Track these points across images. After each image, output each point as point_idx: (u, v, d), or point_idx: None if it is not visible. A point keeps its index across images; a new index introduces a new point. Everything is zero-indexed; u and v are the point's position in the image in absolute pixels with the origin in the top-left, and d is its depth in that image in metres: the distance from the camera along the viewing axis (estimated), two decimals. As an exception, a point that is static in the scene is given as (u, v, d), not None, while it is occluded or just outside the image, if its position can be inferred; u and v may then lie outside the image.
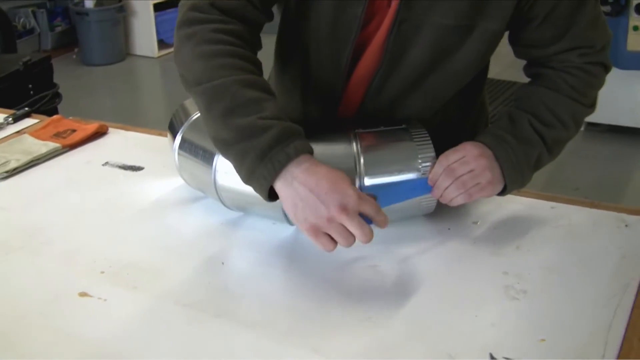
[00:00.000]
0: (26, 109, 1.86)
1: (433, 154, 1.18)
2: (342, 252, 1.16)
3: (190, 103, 1.33)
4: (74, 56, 5.88)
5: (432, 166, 1.18)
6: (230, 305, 1.06)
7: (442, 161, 1.18)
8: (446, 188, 1.17)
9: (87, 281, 1.12)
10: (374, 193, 1.10)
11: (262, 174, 1.06)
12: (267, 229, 1.25)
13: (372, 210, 1.04)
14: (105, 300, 1.08)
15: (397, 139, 1.20)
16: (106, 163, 1.53)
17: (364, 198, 1.04)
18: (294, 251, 1.20)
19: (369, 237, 1.03)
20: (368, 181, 1.16)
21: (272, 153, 1.05)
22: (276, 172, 1.05)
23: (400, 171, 1.17)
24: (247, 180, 1.08)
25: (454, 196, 1.18)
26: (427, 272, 1.13)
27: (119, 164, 1.51)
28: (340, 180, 1.04)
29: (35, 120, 1.78)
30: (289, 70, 1.38)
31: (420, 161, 1.18)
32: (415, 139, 1.20)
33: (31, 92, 2.88)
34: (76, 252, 1.20)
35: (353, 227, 1.03)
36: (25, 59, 2.95)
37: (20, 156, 1.54)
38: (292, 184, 1.05)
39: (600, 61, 1.27)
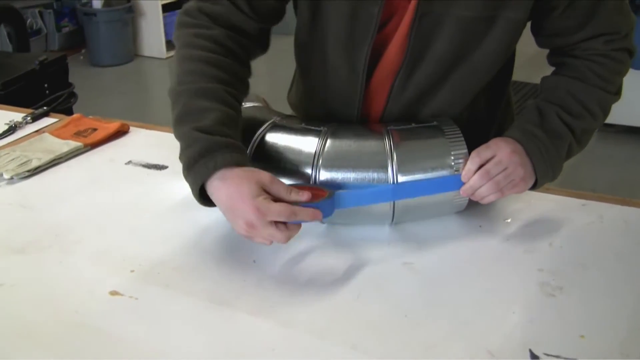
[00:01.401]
0: (45, 108, 1.86)
1: (465, 151, 1.19)
2: (375, 250, 1.17)
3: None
4: (81, 57, 5.90)
5: (465, 163, 1.18)
6: (265, 304, 1.06)
7: (474, 158, 1.18)
8: (479, 187, 1.18)
9: (117, 280, 1.12)
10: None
11: (190, 182, 1.13)
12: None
13: (280, 216, 1.06)
14: (137, 299, 1.08)
15: (429, 136, 1.21)
16: (129, 162, 1.53)
17: (265, 209, 1.05)
18: (326, 248, 1.20)
19: (282, 240, 1.07)
20: (401, 178, 1.16)
21: (197, 165, 1.10)
22: (197, 185, 1.11)
23: (433, 168, 1.18)
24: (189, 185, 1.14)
25: (486, 194, 1.18)
26: (461, 269, 1.14)
27: (143, 163, 1.51)
28: (242, 197, 1.06)
29: (54, 120, 1.79)
30: (308, 74, 1.40)
31: (452, 158, 1.18)
32: (447, 136, 1.20)
33: (47, 92, 2.89)
34: (105, 251, 1.21)
35: (265, 238, 1.08)
36: (41, 58, 2.96)
37: (42, 155, 1.54)
38: (213, 196, 1.11)
39: (625, 47, 1.26)
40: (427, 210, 1.22)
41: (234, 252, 1.19)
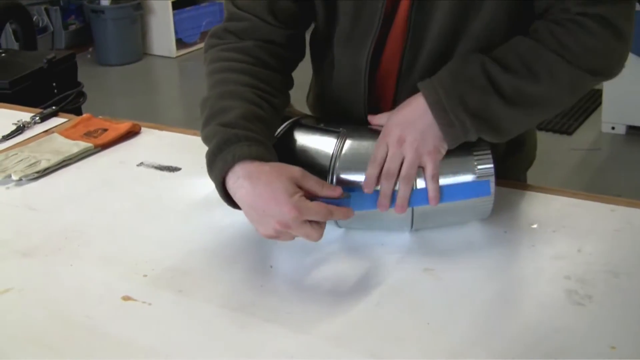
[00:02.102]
0: (53, 107, 1.87)
1: (489, 154, 1.18)
2: (395, 256, 1.17)
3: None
4: (89, 56, 5.91)
5: (487, 166, 1.17)
6: (281, 309, 1.06)
7: (372, 163, 1.16)
8: (391, 193, 1.16)
9: (129, 285, 1.13)
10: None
11: (212, 180, 1.13)
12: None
13: (317, 216, 1.07)
14: (150, 304, 1.08)
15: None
16: (141, 163, 1.54)
17: (304, 208, 1.06)
18: (344, 253, 1.20)
19: (317, 239, 1.08)
20: (421, 183, 1.16)
21: (217, 159, 1.11)
22: (218, 180, 1.11)
23: (454, 173, 1.17)
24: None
25: (408, 194, 1.15)
26: (485, 276, 1.13)
27: (155, 165, 1.52)
28: (275, 195, 1.06)
29: (63, 120, 1.80)
30: (320, 74, 1.42)
31: (475, 163, 1.17)
32: (473, 146, 1.19)
33: (55, 91, 2.90)
34: (116, 254, 1.21)
35: (299, 236, 1.08)
36: (49, 57, 2.97)
37: (51, 156, 1.55)
38: (235, 195, 1.11)
39: (600, 14, 1.14)
40: (448, 216, 1.22)
41: (251, 256, 1.20)
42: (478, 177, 1.17)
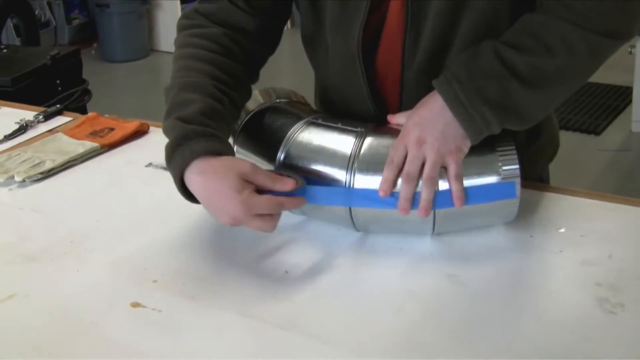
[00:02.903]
0: (57, 106, 1.88)
1: (515, 157, 1.17)
2: (416, 260, 1.17)
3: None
4: (93, 52, 5.94)
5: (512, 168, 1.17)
6: (298, 317, 1.06)
7: (389, 165, 1.16)
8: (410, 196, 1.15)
9: (139, 291, 1.13)
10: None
11: (171, 174, 1.17)
12: (331, 235, 1.26)
13: (267, 210, 1.12)
14: (160, 311, 1.09)
15: (479, 144, 1.19)
16: (150, 164, 1.54)
17: (253, 204, 1.10)
18: (362, 258, 1.20)
19: (270, 230, 1.13)
20: (443, 185, 1.15)
21: (174, 155, 1.15)
22: (177, 175, 1.15)
23: (478, 174, 1.17)
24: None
25: (431, 197, 1.15)
26: (510, 282, 1.13)
27: (164, 165, 1.51)
28: (224, 192, 1.11)
29: (68, 119, 1.81)
30: (319, 70, 1.44)
31: (500, 164, 1.17)
32: (497, 144, 1.18)
33: (59, 89, 2.91)
34: (125, 259, 1.22)
35: (252, 229, 1.13)
36: (53, 53, 2.98)
37: (56, 156, 1.56)
38: (193, 191, 1.15)
39: None
40: (471, 219, 1.21)
41: (265, 261, 1.20)
42: (503, 178, 1.16)
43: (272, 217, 1.13)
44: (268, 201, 1.12)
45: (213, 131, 1.17)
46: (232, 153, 1.19)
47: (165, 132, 1.19)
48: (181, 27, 1.35)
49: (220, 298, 1.11)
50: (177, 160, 1.14)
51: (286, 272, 1.17)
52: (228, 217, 1.11)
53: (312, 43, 1.40)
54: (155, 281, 1.16)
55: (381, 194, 1.15)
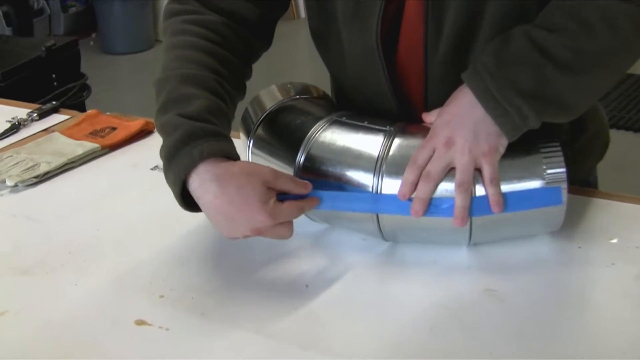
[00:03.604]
0: (53, 102, 1.89)
1: (561, 159, 1.17)
2: (451, 274, 1.17)
3: (265, 93, 1.36)
4: (92, 43, 5.96)
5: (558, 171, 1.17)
6: (321, 336, 1.07)
7: (411, 166, 1.16)
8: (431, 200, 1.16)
9: (144, 307, 1.14)
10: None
11: (170, 178, 1.15)
12: (357, 245, 1.26)
13: (290, 217, 1.14)
14: (167, 329, 1.09)
15: (519, 143, 1.19)
16: (156, 167, 1.55)
17: (278, 213, 1.11)
18: (391, 271, 1.21)
19: (289, 237, 1.15)
20: (481, 189, 1.15)
21: (179, 155, 1.12)
22: (179, 179, 1.13)
23: (519, 178, 1.17)
24: (168, 185, 1.17)
25: (467, 204, 1.14)
26: (556, 299, 1.13)
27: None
28: (249, 202, 1.10)
29: (65, 117, 1.82)
30: (332, 66, 1.45)
31: (544, 167, 1.17)
32: (540, 143, 1.18)
33: (55, 83, 2.92)
34: (128, 272, 1.23)
35: (271, 238, 1.15)
36: (48, 44, 2.99)
37: (52, 158, 1.57)
38: (200, 199, 1.13)
39: None
40: (511, 228, 1.21)
41: (284, 274, 1.21)
42: (547, 182, 1.16)
43: (290, 222, 1.14)
44: (291, 208, 1.13)
45: (223, 131, 1.17)
46: (239, 158, 1.18)
47: (163, 130, 1.18)
48: (172, 12, 1.33)
49: (234, 315, 1.12)
50: (182, 162, 1.13)
51: (307, 285, 1.17)
52: (249, 229, 1.11)
53: (321, 38, 1.40)
54: (162, 296, 1.16)
55: (400, 196, 1.16)
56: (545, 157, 1.17)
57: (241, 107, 1.31)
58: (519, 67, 1.13)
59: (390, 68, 1.31)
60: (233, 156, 1.15)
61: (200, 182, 1.12)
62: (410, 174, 1.15)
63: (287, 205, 1.13)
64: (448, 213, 1.15)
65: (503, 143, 1.15)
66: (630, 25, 1.11)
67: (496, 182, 1.14)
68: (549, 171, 1.16)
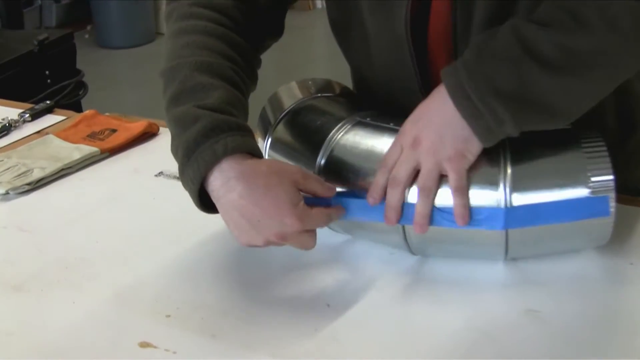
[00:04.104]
0: (47, 102, 1.89)
1: (608, 164, 1.16)
2: (487, 292, 1.16)
3: (284, 91, 1.36)
4: (86, 36, 5.99)
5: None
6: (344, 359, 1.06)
7: (381, 168, 1.17)
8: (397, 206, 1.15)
9: (148, 327, 1.13)
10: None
11: (189, 175, 1.13)
12: (382, 260, 1.25)
13: (318, 224, 1.14)
14: (174, 352, 1.08)
15: (558, 142, 1.18)
16: (160, 173, 1.55)
17: (307, 219, 1.11)
18: (420, 289, 1.19)
19: (313, 246, 1.14)
20: (517, 198, 1.14)
21: (200, 149, 1.11)
22: (201, 175, 1.11)
23: (561, 186, 1.15)
24: (183, 185, 1.16)
25: (427, 211, 1.14)
26: (606, 321, 1.12)
27: (177, 175, 1.51)
28: (278, 205, 1.09)
29: (60, 117, 1.82)
30: (354, 59, 1.45)
31: (589, 174, 1.15)
32: (583, 144, 1.17)
33: (48, 81, 2.93)
34: (131, 289, 1.22)
35: (293, 246, 1.14)
36: (40, 37, 3.00)
37: (46, 163, 1.57)
38: (221, 199, 1.11)
39: None
40: (553, 242, 1.20)
41: (302, 292, 1.20)
42: (592, 192, 1.15)
43: (314, 231, 1.14)
44: (320, 215, 1.13)
45: (246, 125, 1.16)
46: (262, 155, 1.18)
47: (179, 123, 1.16)
48: None
49: (248, 336, 1.11)
50: (204, 157, 1.11)
51: (328, 305, 1.16)
52: (274, 234, 1.10)
53: (342, 29, 1.40)
54: (168, 316, 1.15)
55: (370, 201, 1.16)
56: (590, 161, 1.14)
57: (253, 104, 1.30)
58: (500, 64, 1.09)
59: (419, 60, 1.30)
60: (257, 153, 1.14)
61: (224, 180, 1.11)
62: (381, 176, 1.16)
63: (316, 211, 1.12)
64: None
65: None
66: (631, 23, 1.07)
67: (462, 192, 1.12)
68: (595, 179, 1.14)
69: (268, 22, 1.35)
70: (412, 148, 1.14)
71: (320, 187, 1.15)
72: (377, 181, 1.16)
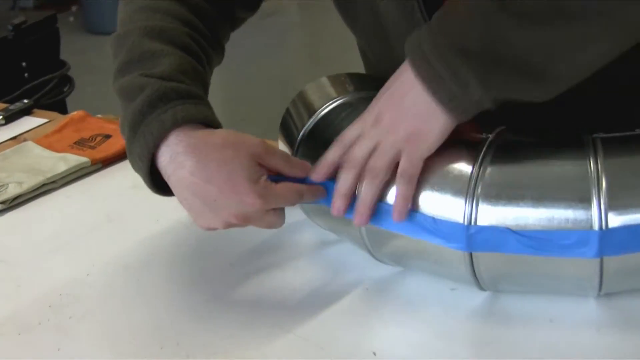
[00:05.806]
0: (25, 101, 1.90)
1: None
2: (574, 335, 1.17)
3: (313, 89, 1.36)
4: (71, 19, 6.01)
5: None
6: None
7: (335, 146, 1.19)
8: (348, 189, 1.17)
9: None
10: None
11: (136, 152, 1.16)
12: (442, 296, 1.25)
13: (285, 202, 1.17)
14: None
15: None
16: (165, 189, 1.55)
17: (271, 196, 1.14)
18: (491, 333, 1.19)
19: (280, 225, 1.18)
20: (615, 219, 1.13)
21: (147, 121, 1.14)
22: (147, 151, 1.14)
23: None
24: (132, 165, 1.21)
25: (372, 196, 1.15)
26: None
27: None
28: (234, 181, 1.12)
29: (41, 120, 1.83)
30: (366, 42, 1.50)
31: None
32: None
33: (25, 75, 2.94)
34: (127, 328, 1.23)
35: (259, 227, 1.18)
36: (16, 21, 3.00)
37: (24, 177, 1.58)
38: (171, 177, 1.16)
39: None
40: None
41: (344, 338, 1.19)
42: None
43: (282, 208, 1.17)
44: (287, 191, 1.15)
45: (201, 93, 1.19)
46: (221, 125, 1.20)
47: (123, 94, 1.20)
48: None
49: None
50: (151, 129, 1.14)
51: (374, 353, 1.16)
52: (233, 215, 1.13)
53: (346, 11, 1.43)
54: (176, 365, 1.16)
55: (313, 176, 1.19)
56: None
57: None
58: (465, 20, 1.10)
59: None
60: (213, 123, 1.17)
61: (172, 154, 1.14)
62: (333, 153, 1.18)
63: (283, 187, 1.15)
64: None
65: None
66: None
67: (407, 179, 1.13)
68: None
69: None
70: (373, 125, 1.16)
71: (286, 164, 1.17)
72: (327, 157, 1.18)
